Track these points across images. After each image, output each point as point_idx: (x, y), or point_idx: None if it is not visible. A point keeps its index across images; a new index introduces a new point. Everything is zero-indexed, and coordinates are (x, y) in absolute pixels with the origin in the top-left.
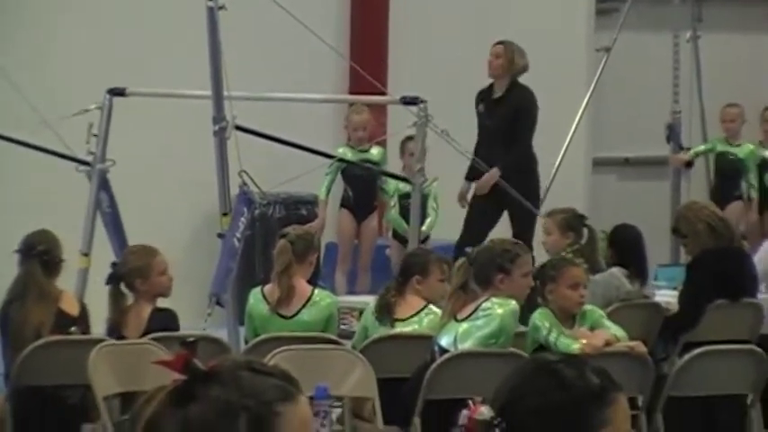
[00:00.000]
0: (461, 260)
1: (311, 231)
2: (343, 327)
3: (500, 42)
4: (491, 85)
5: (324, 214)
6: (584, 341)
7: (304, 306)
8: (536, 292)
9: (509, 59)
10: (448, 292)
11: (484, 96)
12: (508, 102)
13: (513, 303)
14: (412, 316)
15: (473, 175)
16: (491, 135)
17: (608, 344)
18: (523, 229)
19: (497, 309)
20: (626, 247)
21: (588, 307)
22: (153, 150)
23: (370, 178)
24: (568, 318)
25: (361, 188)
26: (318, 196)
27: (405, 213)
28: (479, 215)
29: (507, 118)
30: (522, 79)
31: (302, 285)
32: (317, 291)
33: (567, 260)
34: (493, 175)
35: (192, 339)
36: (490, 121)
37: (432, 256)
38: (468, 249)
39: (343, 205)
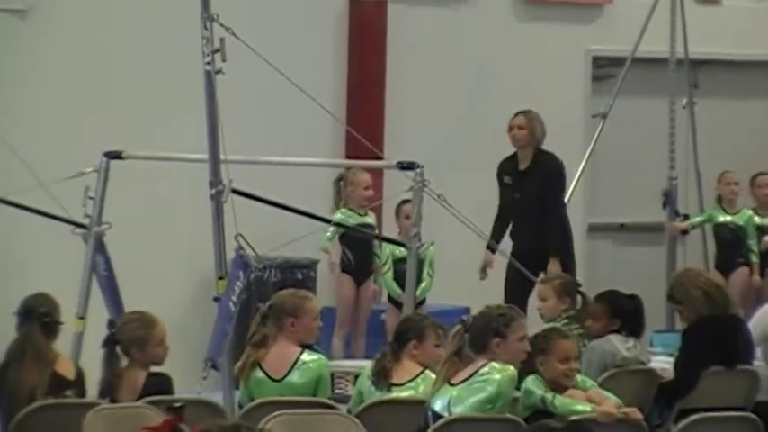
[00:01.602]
0: (457, 326)
1: (284, 295)
2: (338, 391)
3: (521, 112)
4: (514, 156)
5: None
6: (591, 407)
7: (292, 368)
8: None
9: (531, 129)
10: (442, 357)
11: (509, 168)
12: (536, 172)
13: (512, 369)
14: (409, 381)
15: (495, 246)
16: (522, 207)
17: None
18: None
19: (495, 374)
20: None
21: (579, 377)
22: (149, 213)
23: (368, 242)
24: (561, 388)
25: (361, 252)
26: (324, 246)
27: (399, 278)
28: (517, 283)
29: (538, 188)
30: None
31: (289, 349)
32: (306, 352)
33: (559, 332)
34: (557, 266)
35: (178, 405)
36: (520, 194)
37: (427, 322)
38: (464, 316)
39: (343, 270)
